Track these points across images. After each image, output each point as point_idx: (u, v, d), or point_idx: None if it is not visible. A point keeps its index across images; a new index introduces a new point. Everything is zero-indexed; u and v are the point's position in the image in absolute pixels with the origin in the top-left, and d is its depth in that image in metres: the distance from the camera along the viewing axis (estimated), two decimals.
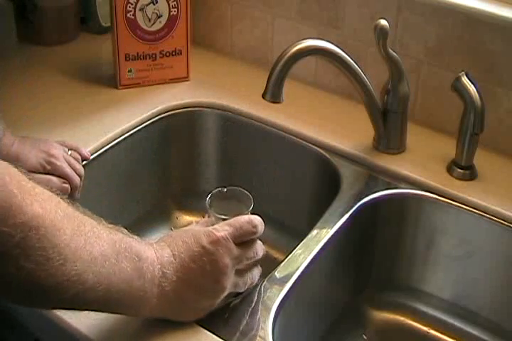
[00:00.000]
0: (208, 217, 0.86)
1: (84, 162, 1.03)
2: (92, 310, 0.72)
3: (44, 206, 0.63)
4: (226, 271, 0.76)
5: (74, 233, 0.65)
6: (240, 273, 0.80)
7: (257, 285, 0.85)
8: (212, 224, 0.81)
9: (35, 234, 0.61)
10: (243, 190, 0.88)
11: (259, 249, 0.81)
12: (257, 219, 0.80)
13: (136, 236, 0.74)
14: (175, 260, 0.74)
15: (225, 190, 0.87)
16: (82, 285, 0.65)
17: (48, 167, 0.95)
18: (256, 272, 0.83)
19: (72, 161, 0.99)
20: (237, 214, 0.81)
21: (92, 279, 0.66)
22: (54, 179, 0.95)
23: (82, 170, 0.99)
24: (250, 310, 0.83)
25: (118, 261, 0.69)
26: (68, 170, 0.96)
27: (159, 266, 0.73)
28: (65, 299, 0.65)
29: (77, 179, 0.97)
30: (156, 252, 0.74)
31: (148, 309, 0.73)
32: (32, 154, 0.95)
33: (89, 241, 0.66)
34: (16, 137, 0.96)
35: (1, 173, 0.60)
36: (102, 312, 0.73)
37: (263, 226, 0.81)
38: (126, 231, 0.74)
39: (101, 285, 0.67)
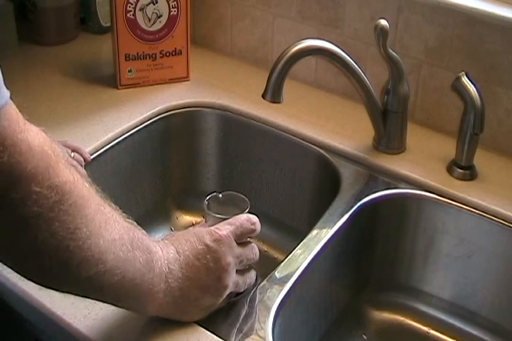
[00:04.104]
0: (206, 222, 0.87)
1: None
2: (99, 300, 0.71)
3: (73, 174, 0.62)
4: (228, 268, 0.76)
5: (97, 209, 0.65)
6: (240, 272, 0.80)
7: (256, 285, 0.85)
8: (210, 226, 0.81)
9: (68, 200, 0.60)
10: (238, 194, 0.88)
11: (257, 251, 0.82)
12: (254, 217, 0.82)
13: (143, 231, 0.74)
14: (180, 257, 0.75)
15: (220, 195, 0.88)
16: (103, 264, 0.65)
17: None
18: (253, 273, 0.84)
19: (75, 164, 0.98)
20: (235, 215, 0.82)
21: (112, 260, 0.65)
22: None
23: (85, 173, 0.99)
24: (250, 310, 0.83)
25: (133, 248, 0.69)
26: None
27: (166, 262, 0.73)
28: (84, 279, 0.65)
29: None
30: (162, 249, 0.74)
31: (154, 305, 0.73)
32: None
33: (109, 222, 0.66)
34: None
35: (36, 133, 0.59)
36: (109, 303, 0.73)
37: (260, 225, 0.82)
38: (136, 223, 0.73)
39: (119, 268, 0.66)
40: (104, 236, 0.65)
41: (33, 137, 0.59)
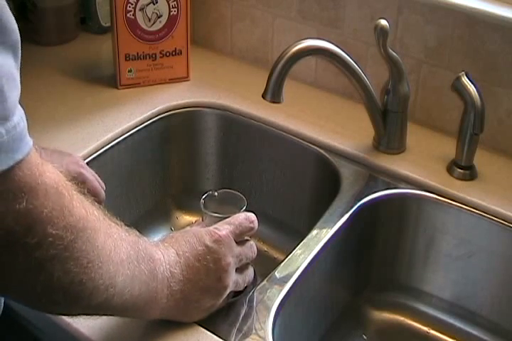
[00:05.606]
0: (202, 220, 0.86)
1: None
2: (104, 315, 0.71)
3: (85, 207, 0.62)
4: (228, 269, 0.77)
5: (106, 235, 0.64)
6: (239, 271, 0.80)
7: (255, 284, 0.85)
8: (207, 226, 0.81)
9: (82, 237, 0.60)
10: (235, 192, 0.88)
11: (255, 249, 0.82)
12: (252, 216, 0.82)
13: (145, 238, 0.74)
14: (180, 259, 0.75)
15: (216, 193, 0.88)
16: (113, 288, 0.64)
17: (79, 178, 0.92)
18: (251, 270, 0.84)
19: (97, 176, 0.97)
20: (233, 214, 0.82)
21: (120, 282, 0.65)
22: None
23: (104, 186, 0.98)
24: (250, 310, 0.83)
25: (138, 263, 0.69)
26: (97, 184, 0.94)
27: (168, 267, 0.73)
28: (95, 305, 0.65)
29: (103, 194, 0.95)
30: (163, 253, 0.74)
31: (156, 310, 0.73)
32: (64, 163, 0.92)
33: (117, 243, 0.66)
34: (38, 147, 0.93)
35: (51, 172, 0.59)
36: (113, 316, 0.73)
37: (257, 223, 0.82)
38: (138, 233, 0.73)
39: (126, 288, 0.66)
40: (114, 260, 0.65)
41: (50, 178, 0.58)
